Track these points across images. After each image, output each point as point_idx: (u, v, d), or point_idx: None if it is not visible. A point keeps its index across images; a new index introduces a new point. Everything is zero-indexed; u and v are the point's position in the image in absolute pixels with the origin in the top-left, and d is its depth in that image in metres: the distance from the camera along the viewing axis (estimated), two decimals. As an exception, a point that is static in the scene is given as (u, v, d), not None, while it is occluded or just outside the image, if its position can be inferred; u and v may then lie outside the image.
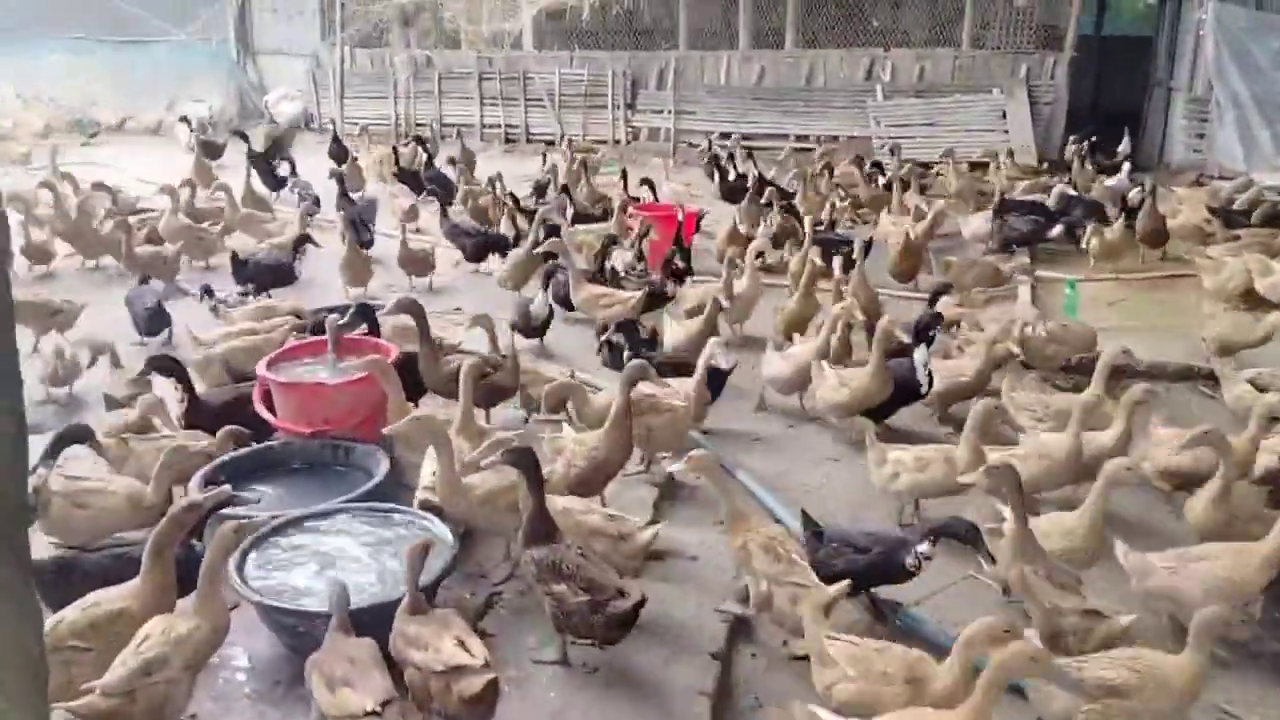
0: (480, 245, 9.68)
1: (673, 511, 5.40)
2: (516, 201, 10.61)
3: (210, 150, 14.41)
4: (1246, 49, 13.67)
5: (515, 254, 8.73)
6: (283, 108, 19.75)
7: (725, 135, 15.94)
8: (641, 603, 3.83)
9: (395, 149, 13.66)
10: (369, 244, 9.90)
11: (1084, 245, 9.62)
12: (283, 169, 12.67)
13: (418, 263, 9.19)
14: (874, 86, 15.90)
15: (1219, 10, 13.78)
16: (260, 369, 5.58)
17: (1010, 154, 13.92)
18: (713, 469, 4.49)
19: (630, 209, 9.75)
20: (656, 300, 7.97)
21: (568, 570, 3.88)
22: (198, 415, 5.52)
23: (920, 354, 6.12)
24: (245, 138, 14.04)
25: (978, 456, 5.01)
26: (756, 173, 12.16)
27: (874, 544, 4.28)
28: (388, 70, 18.52)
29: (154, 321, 7.72)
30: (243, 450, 5.22)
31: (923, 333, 6.30)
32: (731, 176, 12.28)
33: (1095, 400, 5.41)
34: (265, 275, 8.44)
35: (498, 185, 11.22)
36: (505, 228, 9.77)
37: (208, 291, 7.79)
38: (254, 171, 11.76)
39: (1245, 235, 9.02)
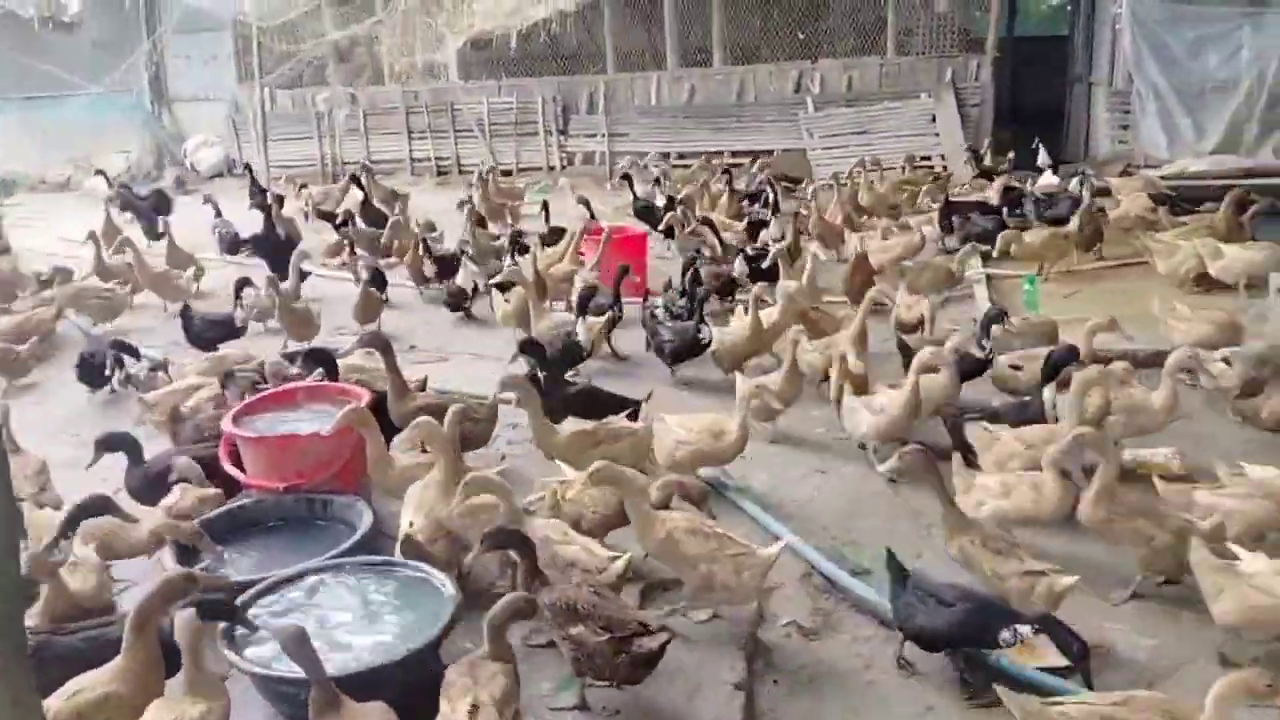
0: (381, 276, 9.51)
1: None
2: (428, 247, 10.16)
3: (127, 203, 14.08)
4: (1162, 41, 14.04)
5: (518, 292, 8.27)
6: (202, 155, 19.25)
7: (664, 155, 15.96)
8: (669, 640, 3.67)
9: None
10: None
11: (996, 251, 9.43)
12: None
13: (371, 309, 8.83)
14: (804, 98, 16.02)
15: (1134, 4, 14.13)
16: (226, 424, 5.30)
17: (911, 160, 13.95)
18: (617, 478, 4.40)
19: (586, 234, 9.59)
20: (692, 349, 7.33)
21: (584, 610, 3.70)
22: (140, 488, 5.19)
23: (1049, 393, 5.61)
24: (127, 187, 13.68)
25: (1064, 486, 4.73)
26: (666, 197, 11.81)
27: (960, 599, 3.95)
28: (310, 111, 18.20)
29: (83, 371, 7.43)
30: (213, 512, 4.95)
31: (1054, 371, 5.74)
32: (641, 193, 12.02)
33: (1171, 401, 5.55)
34: (212, 331, 8.12)
35: (413, 221, 11.15)
36: (463, 279, 9.39)
37: (119, 361, 7.38)
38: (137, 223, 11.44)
39: (1191, 220, 9.20)
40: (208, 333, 8.10)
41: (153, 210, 12.76)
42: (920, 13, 15.85)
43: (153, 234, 11.69)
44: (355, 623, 4.06)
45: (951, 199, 10.71)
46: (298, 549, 4.71)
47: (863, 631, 4.49)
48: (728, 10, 16.70)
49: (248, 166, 15.58)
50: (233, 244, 11.56)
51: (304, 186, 14.36)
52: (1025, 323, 7.25)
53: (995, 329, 6.51)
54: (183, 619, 3.47)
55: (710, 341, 7.25)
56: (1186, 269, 8.39)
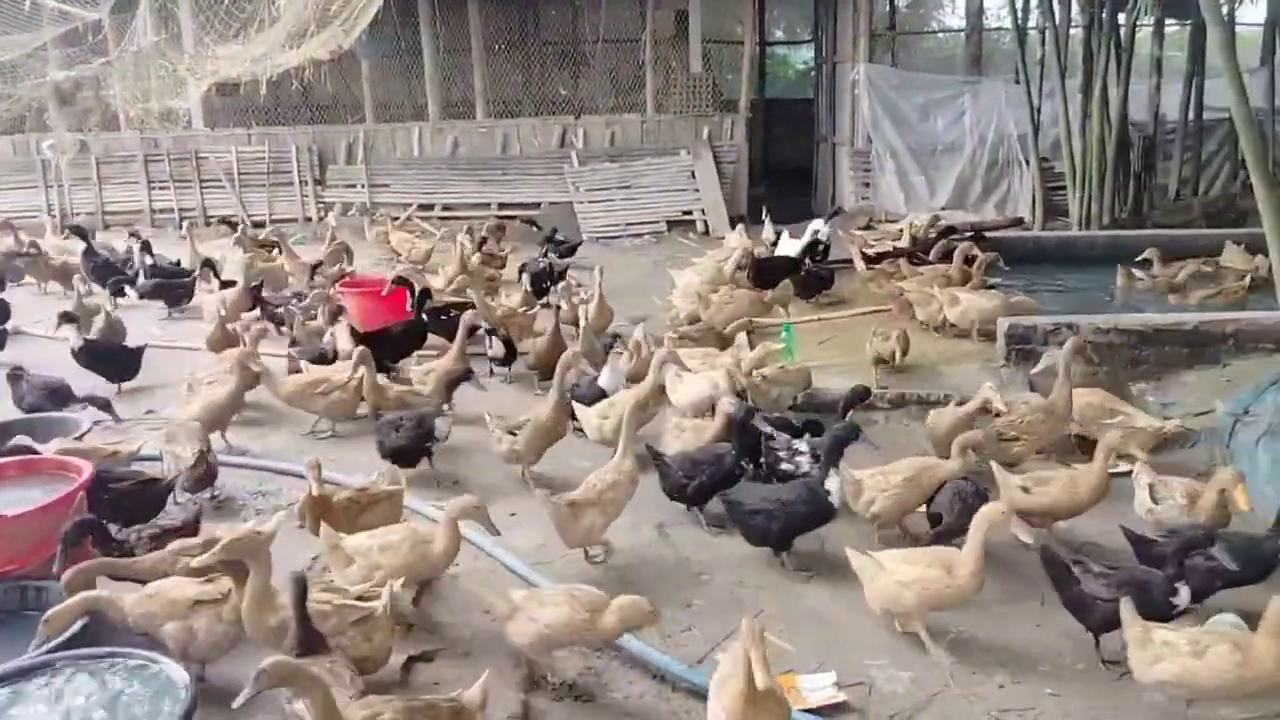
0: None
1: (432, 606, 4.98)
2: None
3: None
4: (895, 105, 15.17)
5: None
6: (-101, 205, 17.22)
7: (426, 207, 15.67)
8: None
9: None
10: None
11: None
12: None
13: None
14: (569, 153, 16.17)
15: (870, 71, 15.20)
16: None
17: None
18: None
19: (338, 285, 9.20)
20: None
21: None
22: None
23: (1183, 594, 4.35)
24: None
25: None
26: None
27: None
28: (35, 158, 16.70)
29: None
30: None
31: (1182, 555, 4.39)
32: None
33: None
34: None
35: None
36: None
37: None
38: None
39: (927, 271, 9.81)
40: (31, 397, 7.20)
41: None
42: (677, 73, 16.38)
43: None
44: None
45: (759, 258, 10.84)
46: (9, 643, 4.14)
47: (635, 689, 4.39)
48: (488, 64, 16.71)
49: None
50: None
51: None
52: (782, 371, 7.44)
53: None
54: None
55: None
56: (941, 315, 8.92)
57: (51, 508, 4.70)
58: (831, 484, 5.16)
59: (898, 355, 7.84)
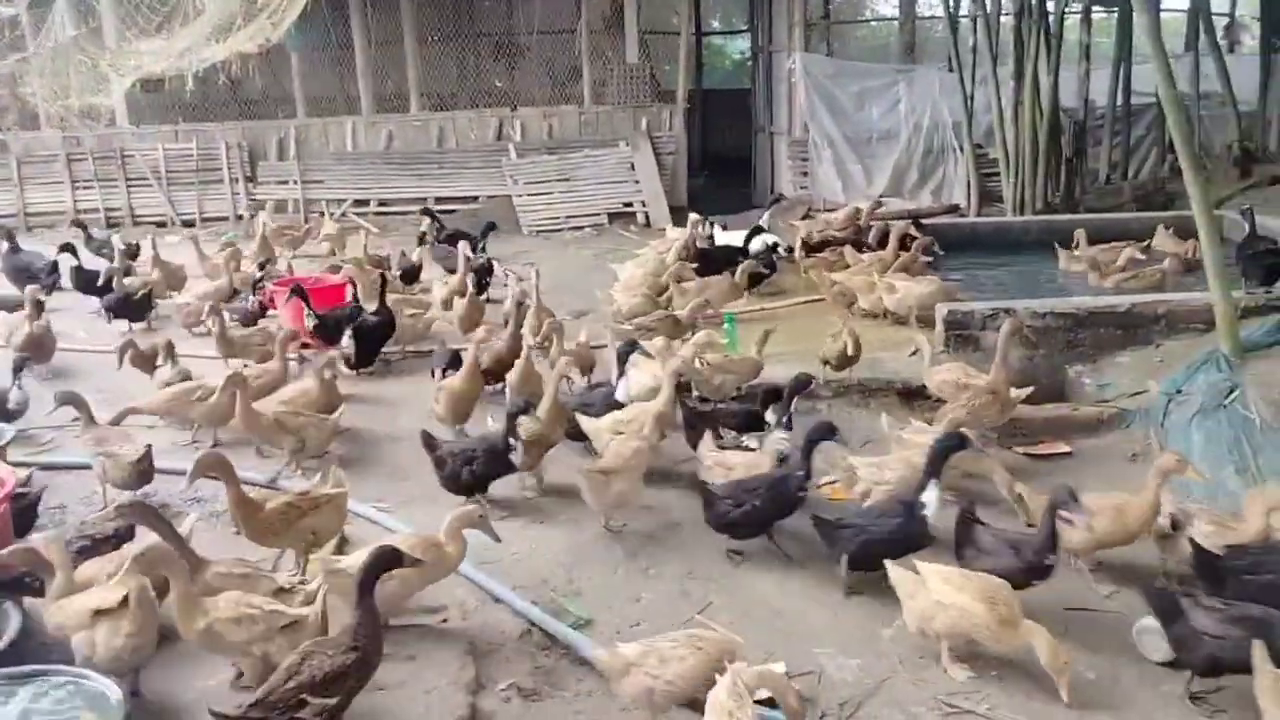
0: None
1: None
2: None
3: None
4: (832, 94, 15.23)
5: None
6: None
7: (362, 202, 15.41)
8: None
9: None
10: None
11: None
12: None
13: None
14: (506, 145, 16.01)
15: (805, 60, 15.24)
16: None
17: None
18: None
19: (271, 285, 8.99)
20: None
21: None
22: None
23: None
24: None
25: None
26: None
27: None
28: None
29: None
30: None
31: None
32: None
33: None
34: None
35: None
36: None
37: None
38: None
39: (868, 258, 9.87)
40: None
41: None
42: (614, 64, 16.30)
43: None
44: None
45: (702, 247, 10.80)
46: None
47: (584, 686, 4.34)
48: (422, 56, 16.50)
49: None
50: None
51: None
52: (727, 360, 7.43)
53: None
54: None
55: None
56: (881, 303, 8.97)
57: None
58: (929, 496, 4.84)
59: (849, 349, 7.53)
